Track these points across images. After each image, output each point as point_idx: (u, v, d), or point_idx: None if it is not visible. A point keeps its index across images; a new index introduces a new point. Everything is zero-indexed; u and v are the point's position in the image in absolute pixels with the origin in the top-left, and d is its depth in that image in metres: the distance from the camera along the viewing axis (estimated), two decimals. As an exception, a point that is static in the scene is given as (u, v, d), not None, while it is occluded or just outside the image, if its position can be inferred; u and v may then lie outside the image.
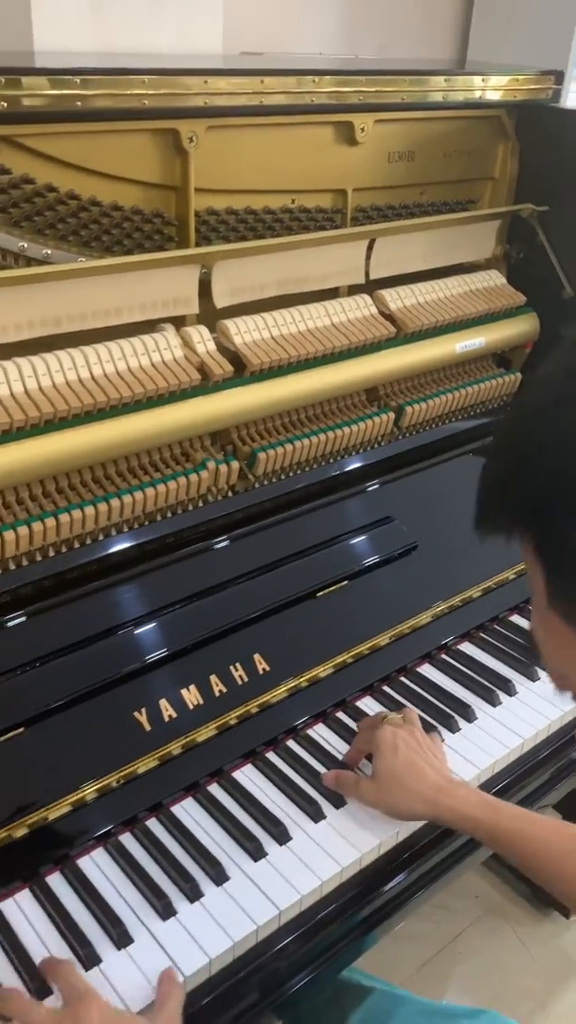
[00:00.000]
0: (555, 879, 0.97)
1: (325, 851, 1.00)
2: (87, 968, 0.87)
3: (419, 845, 1.06)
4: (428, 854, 1.06)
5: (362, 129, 1.40)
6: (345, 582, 1.27)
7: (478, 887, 2.05)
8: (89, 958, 0.87)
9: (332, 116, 1.36)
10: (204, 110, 1.17)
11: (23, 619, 1.05)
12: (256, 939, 0.93)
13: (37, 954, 0.87)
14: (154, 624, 1.11)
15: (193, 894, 0.94)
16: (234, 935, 0.91)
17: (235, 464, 1.27)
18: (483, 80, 1.50)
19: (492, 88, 1.51)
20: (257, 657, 1.15)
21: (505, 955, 1.88)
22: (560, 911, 1.96)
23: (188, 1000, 0.86)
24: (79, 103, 1.05)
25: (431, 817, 1.01)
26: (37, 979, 0.84)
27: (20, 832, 0.95)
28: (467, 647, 1.34)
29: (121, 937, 0.89)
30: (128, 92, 1.09)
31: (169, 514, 1.22)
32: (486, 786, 1.14)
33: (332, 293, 1.45)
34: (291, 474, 1.35)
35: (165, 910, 0.92)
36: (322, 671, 1.20)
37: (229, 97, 1.18)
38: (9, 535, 1.06)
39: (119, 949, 0.88)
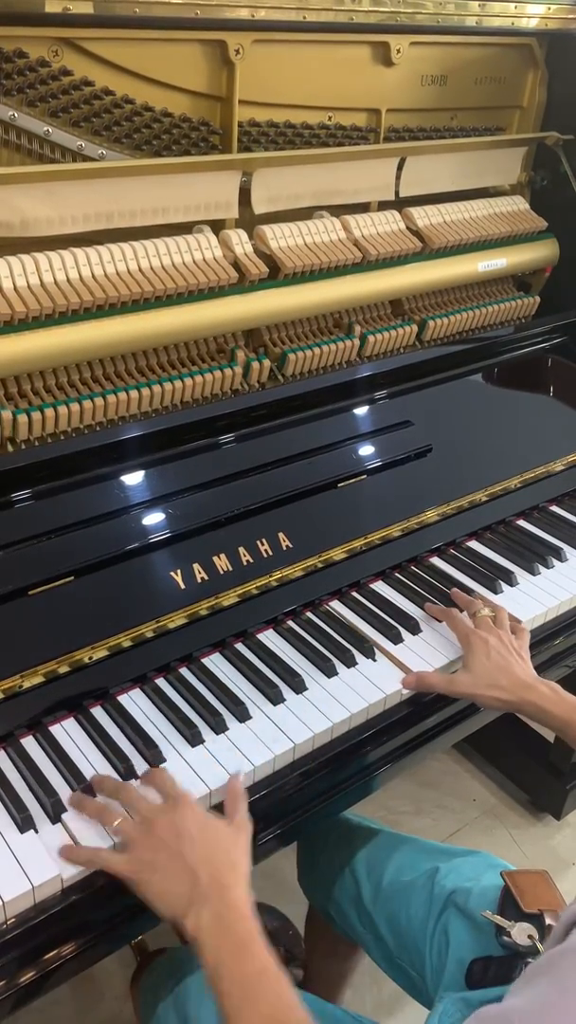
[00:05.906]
0: None
1: (337, 700, 1.12)
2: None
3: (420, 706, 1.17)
4: (432, 712, 1.18)
5: (398, 51, 1.47)
6: (364, 476, 1.38)
7: (476, 791, 2.18)
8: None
9: (370, 36, 1.43)
10: (250, 22, 1.25)
11: (87, 482, 1.17)
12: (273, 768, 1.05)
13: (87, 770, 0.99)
14: (195, 497, 1.22)
15: (218, 727, 1.06)
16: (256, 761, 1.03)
17: (266, 363, 1.38)
18: (516, 7, 1.55)
19: (525, 16, 1.57)
20: (281, 535, 1.26)
21: (499, 851, 2.00)
22: (553, 814, 2.10)
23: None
24: (137, 9, 1.13)
25: (514, 709, 1.13)
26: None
27: (63, 669, 1.07)
28: (474, 544, 1.45)
29: (155, 758, 1.01)
30: (181, 1, 1.17)
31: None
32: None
33: (363, 208, 1.53)
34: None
35: (194, 738, 1.04)
36: (337, 554, 1.31)
37: (273, 11, 1.25)
38: (65, 409, 1.19)
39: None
